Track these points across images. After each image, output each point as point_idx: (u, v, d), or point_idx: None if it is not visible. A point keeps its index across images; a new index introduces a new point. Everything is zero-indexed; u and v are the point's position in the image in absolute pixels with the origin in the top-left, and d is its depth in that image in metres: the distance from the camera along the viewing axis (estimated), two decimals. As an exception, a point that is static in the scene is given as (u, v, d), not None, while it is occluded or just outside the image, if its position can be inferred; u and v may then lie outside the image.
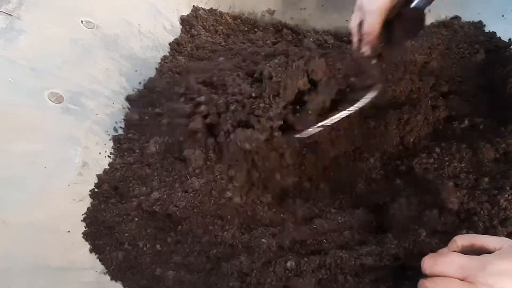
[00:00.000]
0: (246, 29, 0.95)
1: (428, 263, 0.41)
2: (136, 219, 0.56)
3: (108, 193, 0.58)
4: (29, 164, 0.51)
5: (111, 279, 0.52)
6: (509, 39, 0.78)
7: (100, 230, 0.55)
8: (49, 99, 0.57)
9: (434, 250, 0.44)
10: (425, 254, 0.43)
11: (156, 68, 0.79)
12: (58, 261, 0.48)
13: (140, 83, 0.75)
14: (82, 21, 0.67)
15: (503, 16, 0.83)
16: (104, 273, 0.52)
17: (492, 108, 0.68)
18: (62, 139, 0.57)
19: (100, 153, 0.61)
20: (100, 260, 0.53)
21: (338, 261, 0.49)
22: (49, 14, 0.62)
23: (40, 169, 0.52)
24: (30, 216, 0.48)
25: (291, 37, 0.93)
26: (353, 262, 0.49)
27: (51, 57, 0.60)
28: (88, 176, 0.58)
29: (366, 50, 0.58)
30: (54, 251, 0.49)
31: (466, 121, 0.65)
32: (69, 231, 0.52)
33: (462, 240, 0.43)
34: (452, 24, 0.91)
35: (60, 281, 0.47)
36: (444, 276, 0.40)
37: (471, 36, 0.86)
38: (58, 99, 0.57)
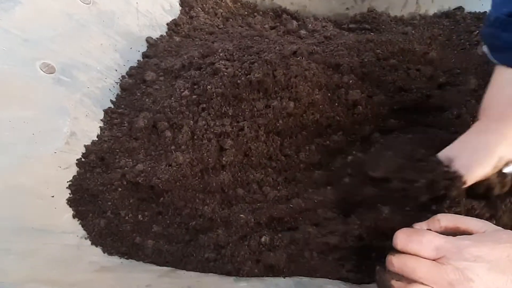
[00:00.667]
0: (246, 13, 0.95)
1: (402, 239, 0.39)
2: (120, 189, 0.57)
3: (94, 163, 0.59)
4: (17, 131, 0.52)
5: (92, 244, 0.53)
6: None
7: (84, 197, 0.56)
8: (41, 69, 0.58)
9: (396, 228, 0.40)
10: (387, 232, 0.41)
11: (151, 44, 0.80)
12: (40, 224, 0.50)
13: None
14: (78, -4, 0.68)
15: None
16: (85, 238, 0.53)
17: None
18: (52, 108, 0.58)
19: (89, 124, 0.62)
20: (82, 226, 0.54)
21: (306, 237, 0.50)
22: (46, -13, 0.63)
23: (28, 135, 0.53)
24: (13, 180, 0.50)
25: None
26: (319, 239, 0.49)
27: (45, 29, 0.61)
28: (76, 146, 0.59)
29: None
30: (36, 214, 0.50)
31: (455, 112, 0.64)
32: (53, 196, 0.54)
33: (446, 220, 0.40)
34: (454, 15, 0.90)
35: (41, 242, 0.48)
36: (416, 255, 0.37)
37: (473, 27, 0.85)
38: (50, 69, 0.59)
